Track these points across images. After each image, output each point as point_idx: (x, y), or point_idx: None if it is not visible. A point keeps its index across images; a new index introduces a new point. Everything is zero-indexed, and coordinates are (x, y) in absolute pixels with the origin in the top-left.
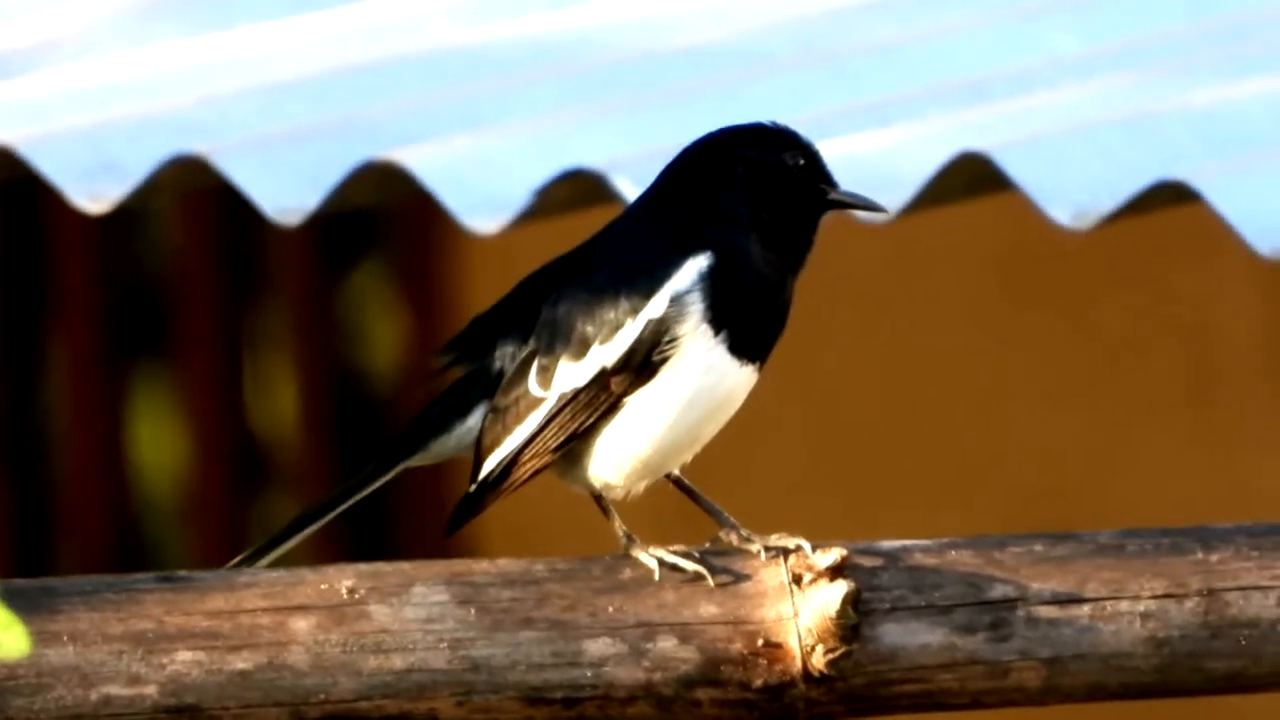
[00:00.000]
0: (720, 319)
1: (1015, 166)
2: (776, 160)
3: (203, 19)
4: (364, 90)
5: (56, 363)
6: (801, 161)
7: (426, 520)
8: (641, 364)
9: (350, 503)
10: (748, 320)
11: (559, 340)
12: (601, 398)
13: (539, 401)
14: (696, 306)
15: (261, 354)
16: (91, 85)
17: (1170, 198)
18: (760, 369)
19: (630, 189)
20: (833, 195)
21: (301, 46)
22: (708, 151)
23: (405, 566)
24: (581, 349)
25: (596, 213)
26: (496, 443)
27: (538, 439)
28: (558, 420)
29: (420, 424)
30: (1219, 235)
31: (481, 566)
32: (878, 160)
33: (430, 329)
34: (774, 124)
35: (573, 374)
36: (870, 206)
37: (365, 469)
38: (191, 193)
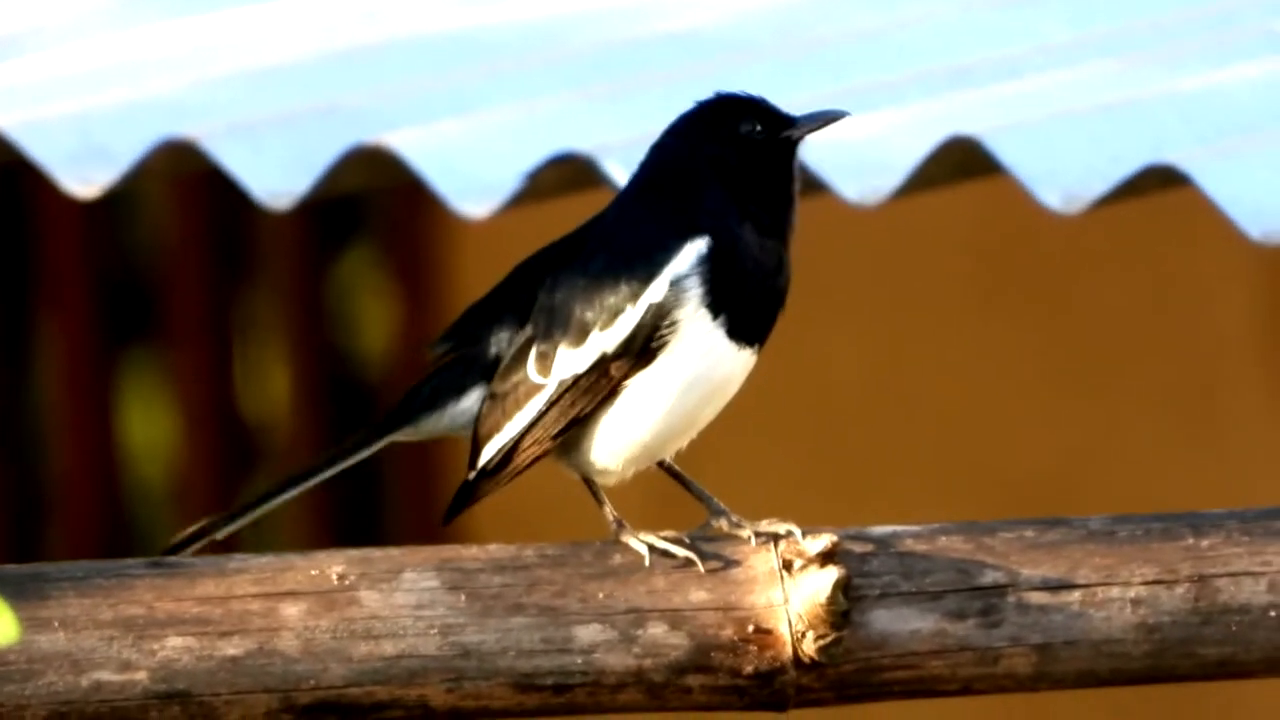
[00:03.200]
0: (718, 302)
1: (1005, 151)
2: (735, 138)
3: (192, 2)
4: (353, 74)
5: (47, 348)
6: (758, 127)
7: (416, 506)
8: (641, 349)
9: (335, 470)
10: (746, 303)
11: (558, 327)
12: (602, 383)
13: (539, 388)
14: (695, 290)
15: (252, 338)
16: (80, 70)
17: (1160, 182)
18: (758, 351)
19: (620, 173)
20: (796, 134)
21: (291, 30)
22: (673, 151)
23: (395, 552)
24: (581, 335)
25: (587, 197)
26: (495, 429)
27: (538, 425)
28: (558, 406)
29: (412, 399)
30: (1209, 220)
31: (471, 552)
32: (867, 145)
33: (420, 313)
34: (717, 96)
35: (573, 360)
36: (832, 119)
37: (352, 438)
38: (181, 177)
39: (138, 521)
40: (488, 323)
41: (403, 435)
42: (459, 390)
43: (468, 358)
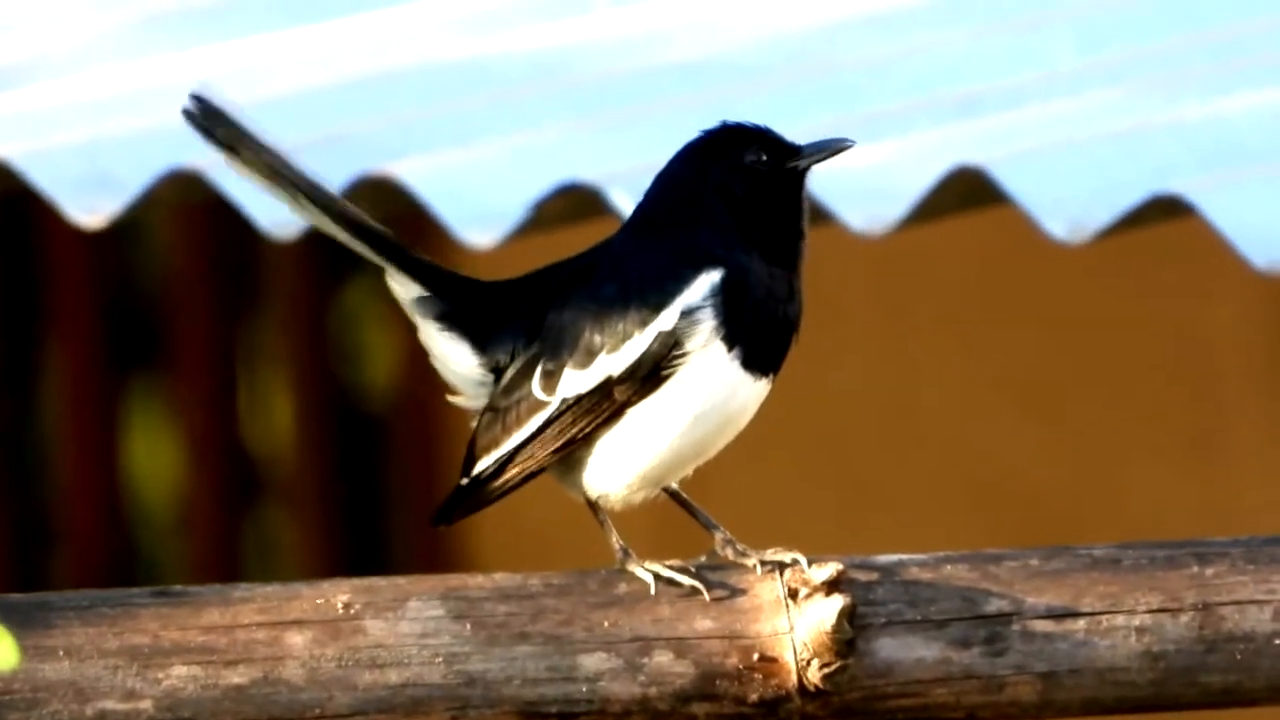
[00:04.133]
0: (733, 334)
1: (1010, 180)
2: (742, 169)
3: (197, 33)
4: (359, 104)
5: (52, 376)
6: (764, 156)
7: (422, 535)
8: (647, 375)
9: (339, 216)
10: (760, 334)
11: (566, 347)
12: (604, 405)
13: (542, 405)
14: (709, 322)
15: (256, 368)
16: (87, 99)
17: (1165, 211)
18: (772, 381)
19: (626, 202)
20: (803, 165)
21: (296, 60)
22: (680, 181)
23: (401, 581)
24: (588, 357)
25: (592, 226)
26: (495, 444)
27: (536, 441)
28: (558, 423)
29: (430, 267)
30: (1213, 249)
31: (477, 581)
32: (873, 174)
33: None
34: (722, 126)
35: (577, 381)
36: (837, 148)
37: (378, 223)
38: (187, 207)
39: (142, 549)
40: (495, 325)
41: (399, 268)
42: (466, 321)
43: (482, 314)
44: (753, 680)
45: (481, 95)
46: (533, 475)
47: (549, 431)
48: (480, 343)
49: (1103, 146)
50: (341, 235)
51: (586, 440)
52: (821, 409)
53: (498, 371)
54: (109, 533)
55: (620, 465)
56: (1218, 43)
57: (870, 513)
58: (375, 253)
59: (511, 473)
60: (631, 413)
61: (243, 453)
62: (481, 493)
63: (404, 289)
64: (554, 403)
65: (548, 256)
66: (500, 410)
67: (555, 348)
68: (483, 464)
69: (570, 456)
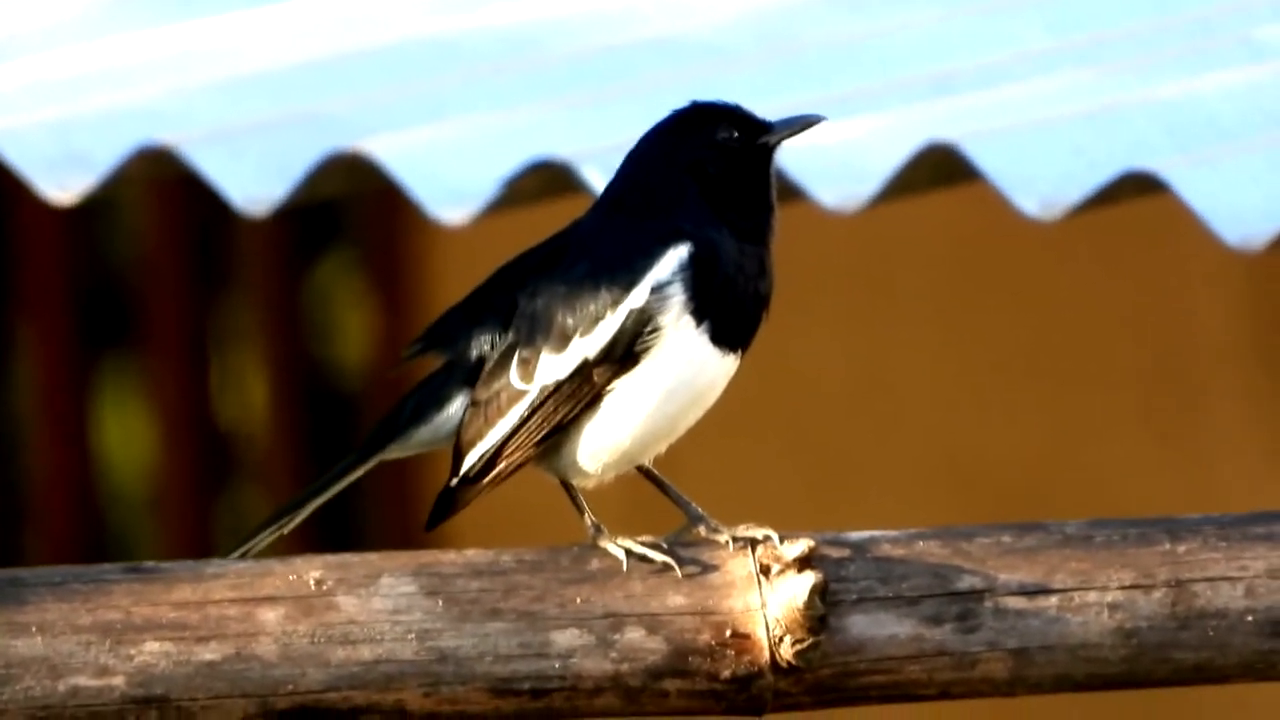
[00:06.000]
0: (702, 309)
1: (982, 157)
2: (714, 146)
3: (170, 10)
4: (331, 81)
5: (24, 355)
6: (735, 133)
7: (393, 511)
8: (623, 354)
9: (328, 496)
10: (729, 309)
11: (540, 333)
12: (584, 389)
13: (521, 394)
14: (678, 297)
15: (229, 346)
16: (59, 76)
17: (1137, 189)
18: (741, 357)
19: (598, 179)
20: (774, 141)
21: (269, 37)
22: (651, 159)
23: (373, 557)
24: (563, 341)
25: (565, 203)
26: (479, 436)
27: (520, 432)
28: (540, 412)
29: (397, 415)
30: (1186, 226)
31: (449, 557)
32: (845, 152)
33: (398, 320)
34: (693, 104)
35: (555, 366)
36: (808, 124)
37: (342, 461)
38: (159, 184)
39: (114, 528)
40: (468, 327)
41: (393, 451)
42: (442, 400)
43: (448, 366)
44: (725, 656)
45: (454, 72)
46: (520, 465)
47: (532, 421)
48: (469, 375)
49: (1075, 124)
50: (335, 492)
51: (569, 425)
52: (794, 386)
53: (480, 364)
54: (82, 511)
55: (599, 447)
56: (1191, 22)
57: (843, 489)
58: (368, 461)
59: (500, 467)
60: (611, 394)
61: (215, 430)
62: (471, 490)
63: (432, 427)
64: (533, 390)
65: (520, 233)
66: (481, 403)
67: (530, 334)
68: (469, 460)
69: (551, 442)
